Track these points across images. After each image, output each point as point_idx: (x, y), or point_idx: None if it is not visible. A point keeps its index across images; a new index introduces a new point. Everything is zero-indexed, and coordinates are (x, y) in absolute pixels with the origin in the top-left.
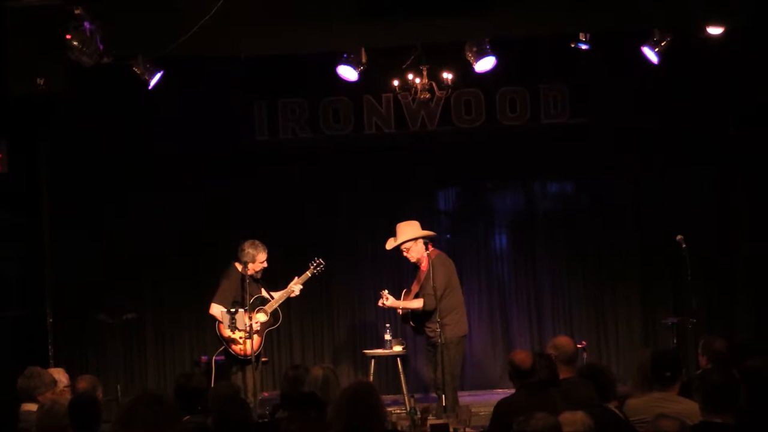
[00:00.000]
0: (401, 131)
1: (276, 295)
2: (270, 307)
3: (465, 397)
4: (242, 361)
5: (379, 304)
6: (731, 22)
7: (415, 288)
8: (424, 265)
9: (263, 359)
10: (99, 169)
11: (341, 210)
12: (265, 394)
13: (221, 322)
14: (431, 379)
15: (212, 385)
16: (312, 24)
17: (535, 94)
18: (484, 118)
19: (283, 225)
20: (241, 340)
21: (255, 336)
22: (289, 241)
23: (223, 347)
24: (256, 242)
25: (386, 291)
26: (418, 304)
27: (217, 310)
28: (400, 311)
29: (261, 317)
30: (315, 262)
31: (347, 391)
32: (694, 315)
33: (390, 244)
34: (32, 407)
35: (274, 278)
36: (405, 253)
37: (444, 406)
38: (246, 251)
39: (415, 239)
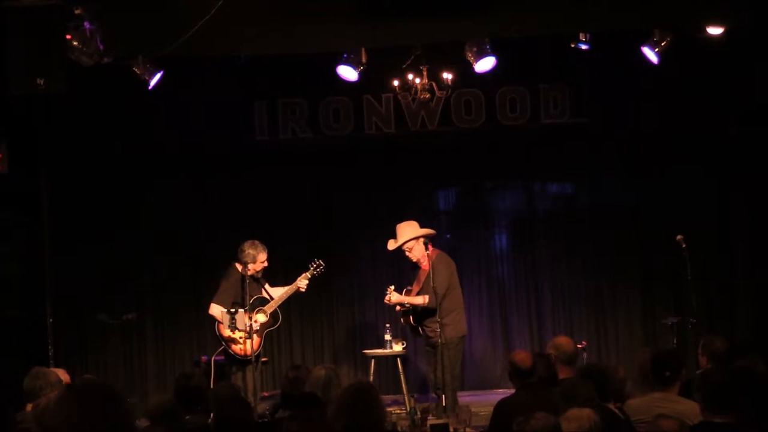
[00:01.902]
0: (401, 131)
1: (279, 292)
2: (270, 307)
3: (465, 397)
4: (242, 361)
5: (385, 300)
6: (731, 22)
7: (415, 288)
8: (425, 265)
9: (263, 359)
10: (99, 169)
11: (341, 210)
12: (265, 393)
13: (221, 323)
14: (431, 379)
15: (212, 385)
16: (312, 24)
17: (535, 94)
18: (484, 118)
19: (283, 225)
20: (240, 340)
21: (254, 336)
22: (289, 241)
23: (222, 347)
24: (256, 242)
25: (392, 287)
26: (422, 300)
27: (216, 310)
28: (399, 308)
29: (260, 318)
30: (315, 263)
31: (347, 391)
32: (694, 315)
33: (392, 245)
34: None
35: (274, 278)
36: (407, 253)
37: (444, 406)
38: (246, 252)
39: (417, 238)
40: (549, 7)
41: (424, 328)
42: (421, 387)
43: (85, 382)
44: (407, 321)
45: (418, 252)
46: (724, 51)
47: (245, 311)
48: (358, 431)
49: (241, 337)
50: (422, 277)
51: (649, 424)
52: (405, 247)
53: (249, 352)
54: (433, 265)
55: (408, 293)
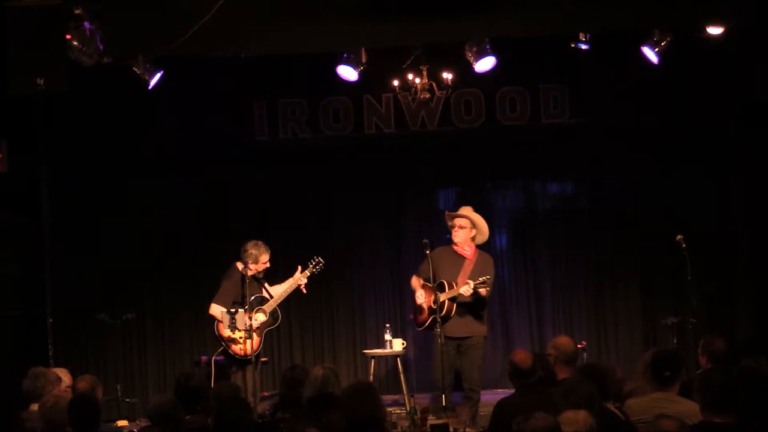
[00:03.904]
0: (401, 131)
1: (279, 289)
2: (269, 306)
3: (480, 398)
4: (242, 361)
5: (469, 290)
6: (731, 22)
7: (461, 280)
8: (469, 255)
9: (263, 359)
10: (99, 169)
11: (341, 210)
12: (265, 393)
13: (221, 322)
14: (447, 382)
15: (212, 385)
16: (312, 24)
17: (535, 94)
18: (484, 118)
19: (283, 225)
20: (241, 341)
21: (254, 336)
22: (289, 241)
23: (222, 347)
24: (259, 243)
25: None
26: (484, 291)
27: (217, 310)
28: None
29: (260, 317)
30: (314, 260)
31: (347, 391)
32: (694, 315)
33: (462, 211)
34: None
35: (274, 277)
36: (457, 229)
37: (444, 406)
38: (249, 251)
39: (474, 225)
40: (549, 7)
41: (438, 325)
42: (421, 387)
43: None
44: (449, 312)
45: (465, 234)
46: (724, 51)
47: (245, 311)
48: (358, 431)
49: (241, 337)
50: (468, 268)
51: (649, 424)
52: (461, 223)
53: (249, 351)
54: (483, 260)
55: (449, 285)
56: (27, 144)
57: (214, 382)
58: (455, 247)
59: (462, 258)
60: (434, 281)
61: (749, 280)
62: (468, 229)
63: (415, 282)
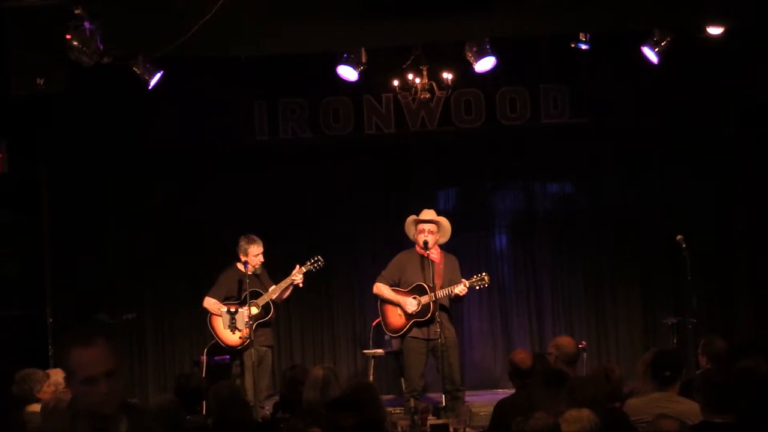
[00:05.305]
0: (401, 131)
1: (275, 287)
2: (262, 300)
3: (465, 397)
4: (233, 351)
5: (466, 288)
6: (731, 22)
7: (438, 281)
8: (436, 257)
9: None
10: (99, 169)
11: (341, 210)
12: (265, 394)
13: (212, 315)
14: (416, 381)
15: (204, 380)
16: (312, 24)
17: (535, 94)
18: (484, 118)
19: (283, 225)
20: (239, 340)
21: (245, 328)
22: (289, 241)
23: (214, 340)
24: (251, 236)
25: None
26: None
27: (209, 302)
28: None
29: (253, 310)
30: (313, 258)
31: (347, 391)
32: (694, 315)
33: (427, 215)
34: (37, 407)
35: (274, 277)
36: (428, 234)
37: (444, 406)
38: (239, 244)
39: (440, 229)
40: (549, 7)
41: (439, 325)
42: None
43: None
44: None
45: (434, 239)
46: (724, 51)
47: (245, 306)
48: (359, 430)
49: (240, 337)
50: (439, 270)
51: (649, 424)
52: (429, 228)
53: (246, 341)
54: (450, 261)
55: (429, 288)
56: (27, 144)
57: (205, 376)
58: (420, 250)
59: (428, 261)
60: (407, 285)
61: (749, 280)
62: (436, 234)
63: (387, 290)
